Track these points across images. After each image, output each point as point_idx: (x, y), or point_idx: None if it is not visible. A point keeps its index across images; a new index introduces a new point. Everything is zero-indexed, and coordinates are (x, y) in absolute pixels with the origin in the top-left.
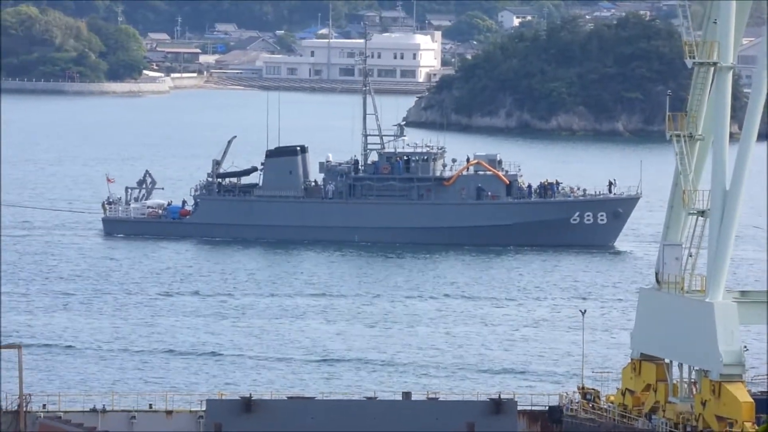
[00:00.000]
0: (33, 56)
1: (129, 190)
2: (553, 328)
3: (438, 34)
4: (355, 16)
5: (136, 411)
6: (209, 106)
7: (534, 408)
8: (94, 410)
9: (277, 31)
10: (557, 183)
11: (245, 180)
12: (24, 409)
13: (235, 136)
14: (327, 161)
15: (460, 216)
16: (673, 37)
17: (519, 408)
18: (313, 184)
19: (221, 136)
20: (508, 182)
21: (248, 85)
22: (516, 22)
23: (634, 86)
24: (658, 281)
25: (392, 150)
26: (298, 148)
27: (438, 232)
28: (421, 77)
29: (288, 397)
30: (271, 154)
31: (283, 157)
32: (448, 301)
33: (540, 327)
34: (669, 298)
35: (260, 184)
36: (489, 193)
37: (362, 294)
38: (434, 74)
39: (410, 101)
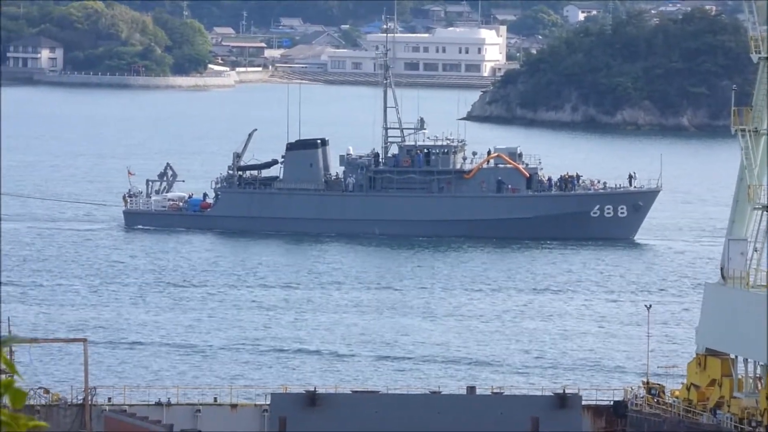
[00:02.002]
0: (99, 50)
1: (150, 183)
2: (616, 322)
3: (503, 28)
4: (420, 11)
5: (200, 404)
6: (271, 100)
7: (599, 403)
8: (159, 403)
9: (342, 26)
10: (577, 176)
11: (266, 173)
12: (89, 402)
13: (256, 129)
14: (347, 154)
15: (480, 209)
16: (739, 31)
17: (583, 403)
18: (333, 177)
19: (244, 129)
20: (528, 175)
21: (313, 79)
22: (581, 16)
23: (700, 81)
24: (723, 276)
25: (412, 143)
26: (319, 141)
27: (458, 225)
28: (485, 72)
29: (352, 391)
30: (291, 147)
31: (304, 150)
32: (500, 295)
33: (602, 321)
34: (734, 293)
35: (281, 177)
36: (509, 186)
37: (410, 288)
38: (499, 69)
39: (475, 95)
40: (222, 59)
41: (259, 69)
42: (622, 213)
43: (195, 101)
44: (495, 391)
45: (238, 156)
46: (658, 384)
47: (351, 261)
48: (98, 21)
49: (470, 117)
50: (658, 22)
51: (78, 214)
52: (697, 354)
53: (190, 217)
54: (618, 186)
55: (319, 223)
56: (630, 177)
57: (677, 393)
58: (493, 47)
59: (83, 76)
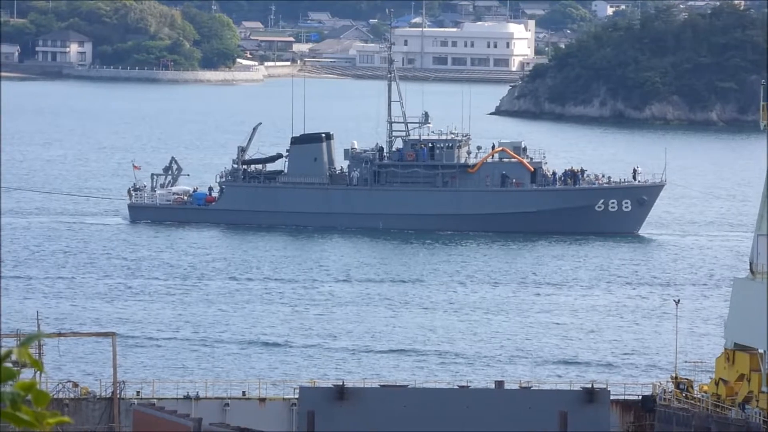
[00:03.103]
0: (128, 44)
1: (155, 177)
2: (643, 317)
3: (531, 23)
4: (448, 6)
5: (229, 398)
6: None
7: (627, 397)
8: (187, 397)
9: (371, 20)
10: (582, 171)
11: (270, 167)
12: (118, 395)
13: (261, 123)
14: (352, 148)
15: (484, 203)
16: None
17: (612, 397)
18: (338, 171)
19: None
20: (532, 169)
21: (342, 73)
22: (610, 11)
23: (729, 76)
24: (752, 271)
25: (417, 137)
26: (323, 135)
27: (462, 219)
28: (514, 66)
29: (380, 385)
30: (296, 141)
31: (309, 144)
32: (525, 289)
33: (629, 316)
34: (763, 288)
35: (285, 170)
36: (513, 181)
37: (428, 282)
38: (527, 63)
39: (503, 90)
40: (250, 53)
41: (288, 63)
42: (626, 207)
43: (223, 95)
44: (523, 385)
45: (242, 150)
46: (687, 379)
47: (359, 255)
48: (127, 15)
49: (499, 112)
50: (687, 17)
51: (83, 208)
52: (725, 349)
53: (195, 211)
54: (622, 180)
55: (324, 216)
56: (634, 171)
57: (706, 388)
58: (522, 42)
59: (112, 71)
